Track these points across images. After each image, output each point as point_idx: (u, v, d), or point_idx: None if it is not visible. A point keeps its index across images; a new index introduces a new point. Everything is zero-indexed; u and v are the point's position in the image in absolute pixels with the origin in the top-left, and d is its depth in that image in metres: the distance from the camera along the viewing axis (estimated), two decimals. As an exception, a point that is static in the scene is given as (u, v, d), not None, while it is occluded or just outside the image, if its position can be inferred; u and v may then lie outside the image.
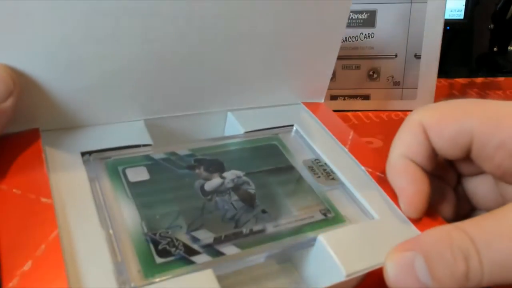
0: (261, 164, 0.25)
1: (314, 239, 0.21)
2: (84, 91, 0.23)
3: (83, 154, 0.22)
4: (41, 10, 0.20)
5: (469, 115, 0.20)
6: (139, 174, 0.22)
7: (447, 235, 0.17)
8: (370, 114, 0.50)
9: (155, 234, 0.19)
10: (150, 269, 0.18)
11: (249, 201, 0.22)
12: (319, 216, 0.22)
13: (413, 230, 0.22)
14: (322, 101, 0.32)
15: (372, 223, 0.22)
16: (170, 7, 0.22)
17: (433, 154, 0.22)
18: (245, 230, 0.21)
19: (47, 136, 0.22)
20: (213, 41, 0.25)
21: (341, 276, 0.19)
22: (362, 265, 0.20)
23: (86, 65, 0.22)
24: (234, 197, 0.22)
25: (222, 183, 0.23)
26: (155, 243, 0.19)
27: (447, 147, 0.21)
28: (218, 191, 0.23)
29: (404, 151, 0.22)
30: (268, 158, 0.26)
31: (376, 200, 0.24)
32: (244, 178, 0.24)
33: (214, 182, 0.23)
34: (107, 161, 0.22)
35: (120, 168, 0.22)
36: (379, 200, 0.24)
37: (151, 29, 0.23)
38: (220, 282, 0.18)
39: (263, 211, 0.22)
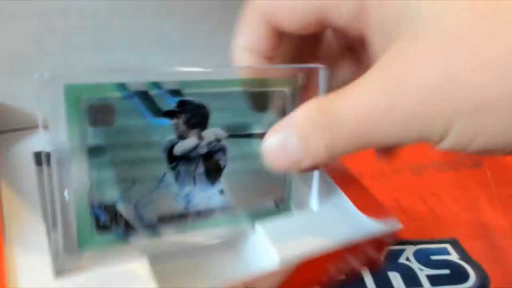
0: (253, 124, 0.21)
1: (253, 229, 0.22)
2: None
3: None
4: None
5: None
6: (103, 115, 0.18)
7: (316, 110, 0.17)
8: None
9: (99, 208, 0.19)
10: (86, 242, 0.19)
11: (213, 176, 0.21)
12: (271, 206, 0.22)
13: (353, 221, 0.23)
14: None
15: (314, 214, 0.23)
16: None
17: (278, 40, 0.20)
18: (192, 211, 0.21)
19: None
20: None
21: (275, 262, 0.21)
22: (296, 252, 0.21)
23: None
24: (200, 168, 0.20)
25: (196, 147, 0.20)
26: (97, 217, 0.19)
27: (301, 28, 0.19)
28: (187, 156, 0.20)
29: (246, 44, 0.20)
30: (266, 115, 0.21)
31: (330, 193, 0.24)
32: (223, 142, 0.21)
33: (187, 143, 0.20)
34: (66, 86, 0.17)
35: (82, 105, 0.17)
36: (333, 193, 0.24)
37: None
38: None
39: (221, 192, 0.21)
